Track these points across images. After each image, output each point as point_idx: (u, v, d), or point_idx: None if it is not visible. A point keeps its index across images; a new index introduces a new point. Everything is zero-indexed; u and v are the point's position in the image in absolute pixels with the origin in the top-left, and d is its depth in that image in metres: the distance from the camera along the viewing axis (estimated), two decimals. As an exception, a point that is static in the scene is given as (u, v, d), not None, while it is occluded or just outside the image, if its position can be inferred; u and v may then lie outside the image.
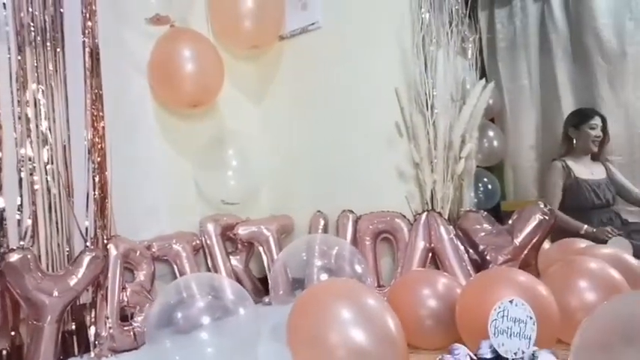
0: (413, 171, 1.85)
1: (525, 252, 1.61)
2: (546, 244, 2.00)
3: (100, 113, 1.71)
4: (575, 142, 2.84)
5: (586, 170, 2.77)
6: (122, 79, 1.88)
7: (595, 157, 2.81)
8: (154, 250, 1.89)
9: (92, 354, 1.58)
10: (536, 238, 1.61)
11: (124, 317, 1.68)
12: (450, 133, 1.78)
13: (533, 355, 1.02)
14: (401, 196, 1.87)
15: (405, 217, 1.85)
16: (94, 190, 1.68)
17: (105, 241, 1.70)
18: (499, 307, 1.05)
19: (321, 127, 2.16)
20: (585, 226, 2.52)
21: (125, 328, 1.66)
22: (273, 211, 2.28)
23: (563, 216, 2.54)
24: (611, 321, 0.86)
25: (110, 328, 1.61)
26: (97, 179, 1.69)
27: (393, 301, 1.53)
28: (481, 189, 3.70)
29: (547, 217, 1.61)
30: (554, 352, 1.01)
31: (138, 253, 1.80)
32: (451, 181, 1.77)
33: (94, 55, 1.70)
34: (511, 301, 1.04)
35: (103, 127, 1.71)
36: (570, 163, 2.78)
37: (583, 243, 1.82)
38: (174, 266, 1.94)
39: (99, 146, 1.70)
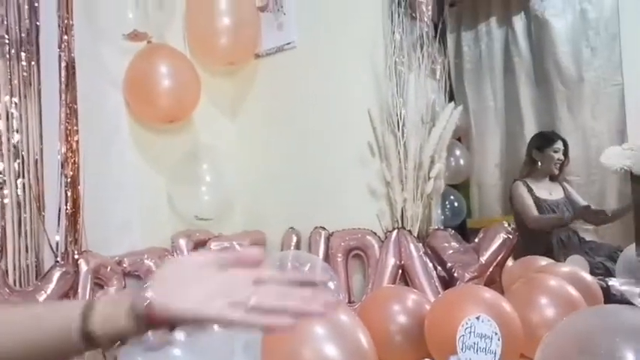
0: (384, 189, 1.91)
1: (491, 269, 1.68)
2: (509, 262, 2.08)
3: (75, 127, 1.71)
4: (539, 164, 2.95)
5: (545, 192, 2.88)
6: (98, 94, 1.88)
7: (554, 179, 2.93)
8: (125, 265, 1.88)
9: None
10: (500, 255, 1.68)
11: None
12: (420, 153, 1.85)
13: (497, 369, 1.08)
14: (372, 214, 1.92)
15: (376, 234, 1.90)
16: (66, 205, 1.67)
17: (75, 257, 1.69)
18: (466, 324, 1.11)
19: (295, 144, 2.20)
20: (567, 213, 2.60)
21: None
22: (246, 227, 2.30)
23: (543, 216, 2.62)
24: (570, 336, 0.92)
25: (79, 345, 1.59)
26: (69, 193, 1.69)
27: (364, 317, 1.56)
28: (448, 206, 3.79)
29: (510, 236, 1.69)
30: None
31: (109, 269, 1.78)
32: (420, 200, 1.84)
33: (70, 69, 1.71)
34: (477, 318, 1.10)
35: (77, 142, 1.71)
36: (531, 184, 2.89)
37: (544, 261, 1.91)
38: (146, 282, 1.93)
39: (72, 160, 1.70)
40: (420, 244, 1.79)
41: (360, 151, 1.98)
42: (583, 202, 2.85)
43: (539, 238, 2.68)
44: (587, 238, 2.85)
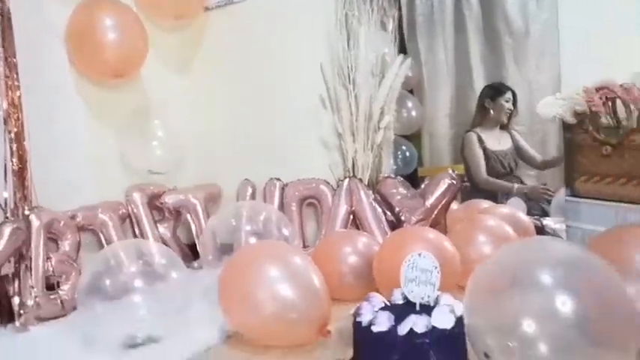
0: (336, 141, 1.96)
1: (435, 212, 1.78)
2: (455, 205, 2.21)
3: (15, 82, 1.65)
4: (491, 113, 3.06)
5: (494, 141, 3.01)
6: (38, 47, 1.81)
7: (503, 127, 3.05)
8: (78, 219, 1.88)
9: (17, 323, 1.57)
10: (444, 200, 1.79)
11: (50, 286, 1.68)
12: (371, 105, 1.90)
13: (437, 298, 1.17)
14: (325, 165, 1.98)
15: (328, 183, 1.97)
16: (12, 161, 1.64)
17: (26, 212, 1.67)
18: (409, 260, 1.19)
19: (248, 98, 2.21)
20: (516, 185, 2.74)
21: (52, 296, 1.66)
22: (201, 180, 2.31)
23: (495, 180, 2.76)
24: (499, 266, 1.02)
25: (36, 297, 1.61)
26: (14, 149, 1.65)
27: (318, 260, 1.64)
28: (400, 156, 3.90)
29: (454, 182, 1.79)
30: (454, 296, 1.17)
31: (62, 224, 1.78)
32: (371, 150, 1.90)
33: (5, 21, 1.63)
34: (419, 254, 1.18)
35: (19, 97, 1.66)
36: (482, 134, 3.01)
37: (486, 203, 2.04)
38: (101, 235, 1.94)
39: (15, 116, 1.65)
40: (370, 191, 1.87)
41: (312, 103, 2.01)
42: (530, 150, 3.00)
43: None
44: (529, 183, 3.02)
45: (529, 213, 2.18)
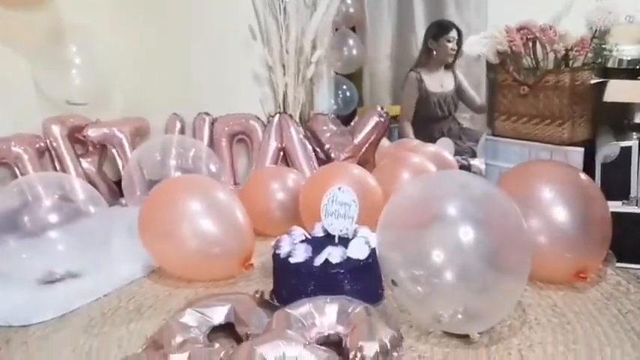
0: (267, 74, 1.91)
1: (363, 150, 1.81)
2: (387, 143, 2.24)
3: None
4: (434, 53, 3.03)
5: (436, 83, 2.99)
6: None
7: (448, 67, 3.03)
8: (-11, 153, 1.76)
9: None
10: (372, 137, 1.81)
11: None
12: (302, 38, 1.85)
13: (354, 231, 1.21)
14: (256, 99, 1.94)
15: (259, 119, 1.94)
16: None
17: None
18: (329, 194, 1.21)
19: (176, 27, 2.08)
20: None
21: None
22: (127, 113, 2.21)
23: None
24: (408, 200, 1.05)
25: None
26: None
27: (246, 197, 1.65)
28: (340, 95, 3.88)
29: (383, 120, 1.81)
30: (373, 230, 1.21)
31: (-32, 156, 1.67)
32: (302, 85, 1.87)
33: None
34: (339, 188, 1.21)
35: None
36: (424, 75, 2.99)
37: (415, 142, 2.08)
38: (16, 170, 1.83)
39: None
40: (301, 128, 1.86)
41: (242, 34, 1.93)
42: (471, 92, 3.02)
43: (424, 128, 2.85)
44: (465, 125, 3.10)
45: (460, 153, 2.26)
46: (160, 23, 2.12)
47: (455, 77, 3.04)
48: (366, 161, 1.89)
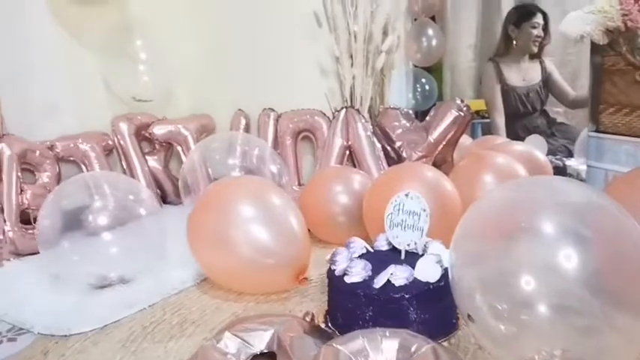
0: (334, 66, 1.76)
1: (440, 148, 1.60)
2: (468, 141, 2.01)
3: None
4: (514, 42, 2.73)
5: (517, 75, 2.68)
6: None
7: (534, 57, 2.71)
8: (57, 150, 1.76)
9: (-9, 259, 1.50)
10: (450, 134, 1.60)
11: (27, 221, 1.59)
12: (371, 24, 1.67)
13: (425, 246, 1.03)
14: (322, 94, 1.79)
15: (325, 114, 1.79)
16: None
17: (-5, 141, 1.56)
18: (395, 201, 1.04)
19: (241, 20, 1.98)
20: None
21: (28, 231, 1.57)
22: (193, 110, 2.16)
23: None
24: (492, 210, 0.85)
25: (9, 231, 1.53)
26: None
27: (307, 200, 1.51)
28: (419, 90, 3.67)
29: (462, 114, 1.59)
30: (444, 243, 1.02)
31: (37, 154, 1.67)
32: (372, 77, 1.70)
33: None
34: (406, 195, 1.03)
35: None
36: (503, 67, 2.70)
37: (501, 139, 1.83)
38: (83, 167, 1.83)
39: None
40: (369, 124, 1.69)
41: (308, 23, 1.79)
42: (563, 84, 2.67)
43: (507, 124, 2.56)
44: (558, 120, 2.74)
45: (552, 153, 1.98)
46: (224, 17, 2.04)
47: (543, 68, 2.69)
48: (444, 161, 1.68)
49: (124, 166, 1.96)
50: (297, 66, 1.86)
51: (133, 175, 1.94)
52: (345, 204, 1.47)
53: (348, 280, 0.94)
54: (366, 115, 1.73)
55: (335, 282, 0.97)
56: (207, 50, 2.10)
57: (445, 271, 0.94)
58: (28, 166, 1.66)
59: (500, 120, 2.56)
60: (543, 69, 2.69)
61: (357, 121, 1.67)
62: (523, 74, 2.67)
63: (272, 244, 1.14)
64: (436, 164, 1.64)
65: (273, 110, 1.94)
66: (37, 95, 1.75)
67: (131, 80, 1.97)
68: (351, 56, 1.68)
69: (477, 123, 3.18)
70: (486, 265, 0.79)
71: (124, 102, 1.99)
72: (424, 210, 1.01)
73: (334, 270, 0.99)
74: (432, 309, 0.92)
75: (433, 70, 3.70)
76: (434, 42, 3.24)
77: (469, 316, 0.78)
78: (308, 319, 0.95)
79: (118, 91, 1.97)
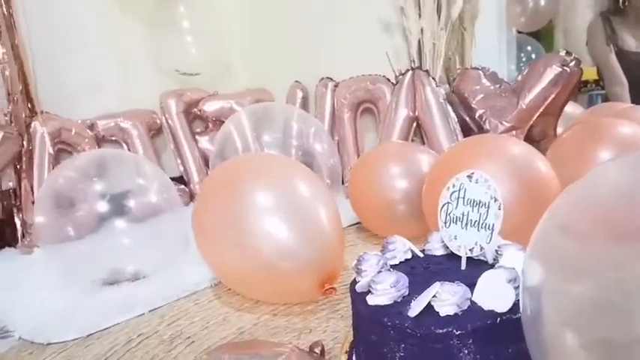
0: (397, 18, 1.42)
1: (535, 117, 1.21)
2: (577, 109, 1.58)
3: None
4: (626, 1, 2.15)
5: (634, 40, 2.13)
6: None
7: None
8: (98, 129, 1.64)
9: (20, 244, 1.40)
10: (551, 97, 1.19)
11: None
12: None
13: (497, 252, 0.70)
14: (384, 55, 1.47)
15: (389, 80, 1.47)
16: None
17: (26, 119, 1.45)
18: (453, 185, 0.72)
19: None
20: None
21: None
22: (250, 84, 1.94)
23: None
24: (602, 197, 0.50)
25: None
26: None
27: (356, 183, 1.22)
28: (524, 58, 3.19)
29: (568, 70, 1.18)
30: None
31: (73, 132, 1.55)
32: (445, 30, 1.34)
33: None
34: (470, 176, 0.70)
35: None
36: (617, 25, 2.15)
37: (624, 105, 1.38)
38: (125, 147, 1.69)
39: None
40: (441, 89, 1.33)
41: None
42: None
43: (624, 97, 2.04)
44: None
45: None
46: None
47: None
48: (543, 136, 1.29)
49: (172, 148, 1.80)
50: (355, 23, 1.55)
51: (181, 157, 1.78)
52: (406, 189, 1.15)
53: (371, 301, 0.64)
54: (440, 78, 1.37)
55: (356, 302, 0.68)
56: (260, 19, 1.87)
57: (524, 294, 0.60)
58: (64, 147, 1.55)
59: (619, 89, 2.04)
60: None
61: (426, 85, 1.33)
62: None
63: (292, 244, 0.87)
64: (532, 139, 1.25)
65: (331, 79, 1.66)
66: (74, 71, 1.62)
67: (177, 53, 1.79)
68: (419, 4, 1.33)
69: (595, 95, 2.64)
70: (592, 279, 0.45)
71: (175, 79, 1.82)
72: (495, 199, 0.67)
73: (357, 283, 0.69)
74: (500, 354, 0.59)
75: (542, 36, 3.19)
76: (542, 2, 2.74)
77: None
78: (317, 351, 0.67)
79: (163, 65, 1.80)
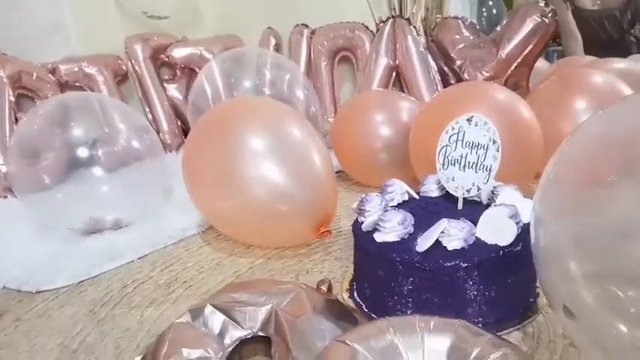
0: (378, -36, 1.40)
1: (513, 66, 1.24)
2: (544, 65, 1.63)
3: None
4: None
5: None
6: None
7: None
8: (61, 74, 1.55)
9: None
10: (529, 47, 1.23)
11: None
12: None
13: (493, 193, 0.73)
14: (364, 2, 1.45)
15: (367, 28, 1.46)
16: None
17: (-17, 61, 1.35)
18: (452, 128, 0.74)
19: None
20: None
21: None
22: (219, 29, 1.87)
23: None
24: (607, 138, 0.53)
25: (2, 165, 1.35)
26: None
27: (340, 132, 1.23)
28: (484, 13, 3.23)
29: (547, 21, 1.21)
30: (525, 193, 0.71)
31: (34, 77, 1.46)
32: (427, -23, 1.34)
33: None
34: (469, 120, 0.72)
35: None
36: None
37: (590, 58, 1.44)
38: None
39: None
40: (422, 38, 1.34)
41: None
42: None
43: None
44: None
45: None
46: None
47: None
48: (517, 87, 1.33)
49: (140, 95, 1.73)
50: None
51: (150, 106, 1.72)
52: (388, 137, 1.17)
53: (379, 238, 0.66)
54: (419, 28, 1.38)
55: (362, 240, 0.70)
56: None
57: (523, 229, 0.64)
58: (25, 91, 1.46)
59: (573, 44, 2.10)
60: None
61: (407, 34, 1.33)
62: None
63: (287, 186, 0.87)
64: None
65: (306, 27, 1.62)
66: (36, 12, 1.51)
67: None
68: (402, -52, 1.31)
69: (551, 50, 2.71)
70: (598, 221, 0.49)
71: (141, 22, 1.73)
72: (494, 142, 0.70)
73: (361, 223, 0.71)
74: (502, 284, 0.63)
75: (502, -11, 3.23)
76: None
77: (565, 308, 0.49)
78: (324, 288, 0.69)
79: (130, 7, 1.70)
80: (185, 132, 1.80)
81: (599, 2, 2.16)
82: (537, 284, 0.69)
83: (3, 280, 0.91)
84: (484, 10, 3.23)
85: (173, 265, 0.92)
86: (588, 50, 2.01)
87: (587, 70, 1.10)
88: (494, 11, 3.28)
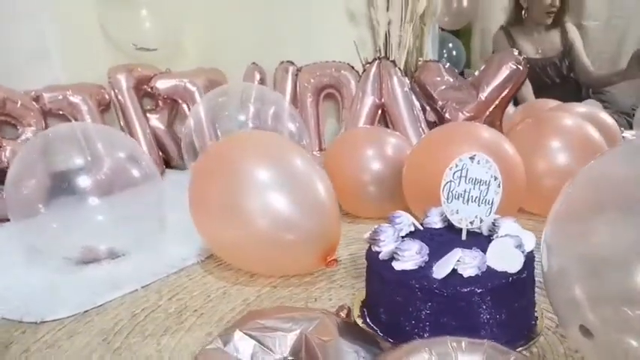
0: (365, 9, 1.50)
1: (491, 109, 1.35)
2: (510, 109, 1.75)
3: None
4: (524, 12, 2.37)
5: (531, 47, 2.35)
6: None
7: (554, 26, 2.33)
8: (44, 102, 1.54)
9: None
10: (505, 91, 1.34)
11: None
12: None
13: (493, 224, 0.80)
14: (350, 44, 1.53)
15: (353, 68, 1.54)
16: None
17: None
18: (456, 165, 0.81)
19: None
20: None
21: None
22: (202, 62, 1.91)
23: None
24: (604, 184, 0.61)
25: (-16, 193, 1.31)
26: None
27: (330, 165, 1.28)
28: (445, 55, 3.40)
29: (520, 67, 1.33)
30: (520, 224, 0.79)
31: (19, 104, 1.44)
32: (410, 24, 1.44)
33: None
34: (472, 157, 0.79)
35: None
36: (516, 35, 2.36)
37: (555, 102, 1.58)
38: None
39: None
40: (406, 79, 1.43)
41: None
42: (584, 60, 2.30)
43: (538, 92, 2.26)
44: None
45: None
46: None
47: (565, 40, 2.32)
48: (492, 125, 1.42)
49: (122, 125, 1.73)
50: (322, 10, 1.60)
51: (132, 135, 1.72)
52: (377, 170, 1.23)
53: (397, 266, 0.71)
54: (403, 69, 1.47)
55: (377, 268, 0.75)
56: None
57: (527, 258, 0.71)
58: (8, 119, 1.44)
59: (525, 90, 2.26)
60: (565, 40, 2.32)
61: (393, 74, 1.42)
62: (538, 45, 2.33)
63: (293, 216, 0.91)
64: (483, 128, 1.39)
65: (292, 63, 1.69)
66: (20, 39, 1.51)
67: (132, 25, 1.72)
68: (387, -2, 1.42)
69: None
70: (607, 248, 0.56)
71: (125, 53, 1.75)
72: (495, 178, 0.77)
73: (378, 252, 0.76)
74: (510, 308, 0.69)
75: (461, 34, 3.42)
76: (464, 2, 2.95)
77: (583, 328, 0.55)
78: (343, 314, 0.73)
79: (117, 39, 1.72)
80: (166, 162, 1.82)
81: (540, 52, 2.34)
82: (536, 309, 0.76)
83: (1, 311, 0.89)
84: (444, 51, 3.39)
85: (179, 293, 0.93)
86: (536, 93, 2.19)
87: (558, 114, 1.22)
88: (454, 53, 3.45)
